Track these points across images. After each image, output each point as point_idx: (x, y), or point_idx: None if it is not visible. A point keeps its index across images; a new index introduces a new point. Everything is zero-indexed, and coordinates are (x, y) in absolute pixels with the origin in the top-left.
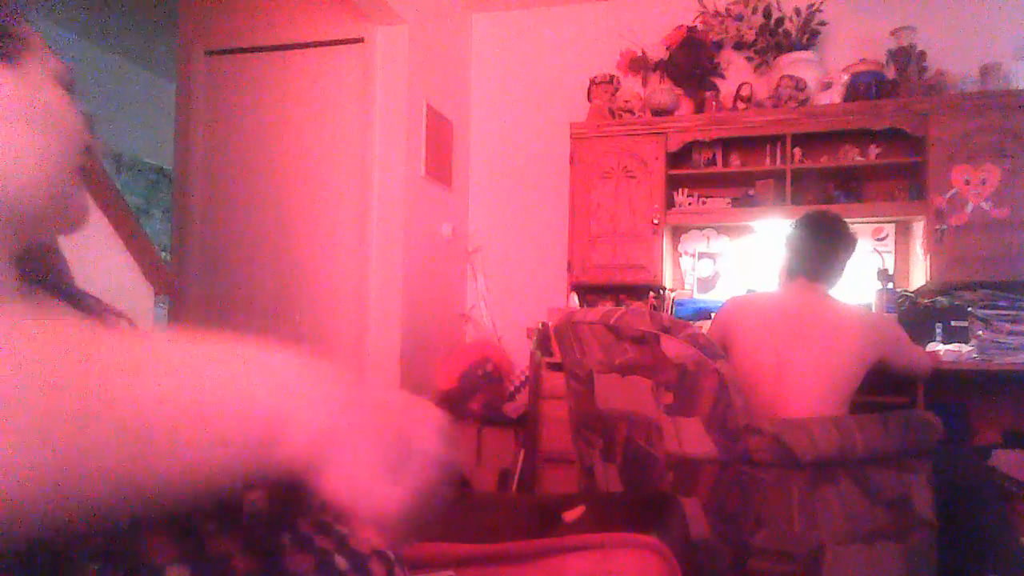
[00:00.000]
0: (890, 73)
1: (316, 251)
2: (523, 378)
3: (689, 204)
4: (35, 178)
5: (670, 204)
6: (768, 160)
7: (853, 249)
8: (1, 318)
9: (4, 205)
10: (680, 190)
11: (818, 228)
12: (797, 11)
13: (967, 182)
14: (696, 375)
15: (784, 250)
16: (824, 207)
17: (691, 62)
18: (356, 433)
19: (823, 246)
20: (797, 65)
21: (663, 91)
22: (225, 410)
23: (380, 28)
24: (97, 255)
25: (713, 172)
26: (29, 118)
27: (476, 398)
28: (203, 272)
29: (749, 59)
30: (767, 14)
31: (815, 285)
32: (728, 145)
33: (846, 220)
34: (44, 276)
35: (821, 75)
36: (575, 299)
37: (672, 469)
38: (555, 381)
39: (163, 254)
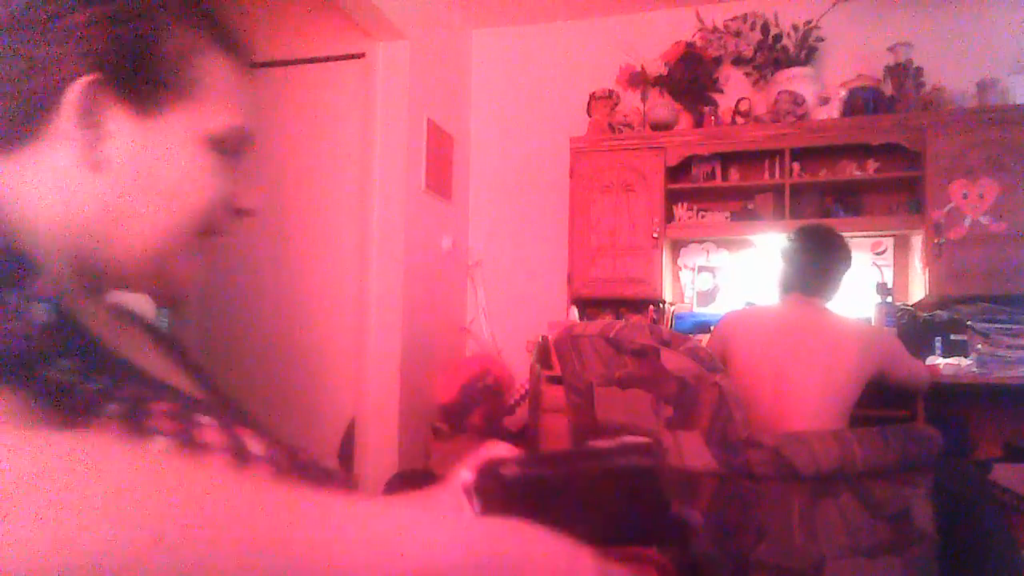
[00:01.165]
0: (888, 88)
1: (317, 263)
2: (523, 391)
3: (688, 218)
4: (133, 244)
5: (669, 218)
6: (767, 174)
7: (849, 263)
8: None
9: (92, 263)
10: (679, 204)
11: (813, 242)
12: (795, 27)
13: (965, 196)
14: (696, 388)
15: (780, 264)
16: (822, 221)
17: (690, 77)
18: None
19: (819, 260)
20: (795, 80)
21: (662, 106)
22: None
23: (381, 44)
24: None
25: (712, 186)
26: (141, 179)
27: (476, 411)
28: (204, 287)
29: (747, 74)
30: (765, 30)
31: (811, 299)
32: (727, 159)
33: (841, 233)
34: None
35: (819, 90)
36: (575, 312)
37: (672, 482)
38: (555, 394)
39: None
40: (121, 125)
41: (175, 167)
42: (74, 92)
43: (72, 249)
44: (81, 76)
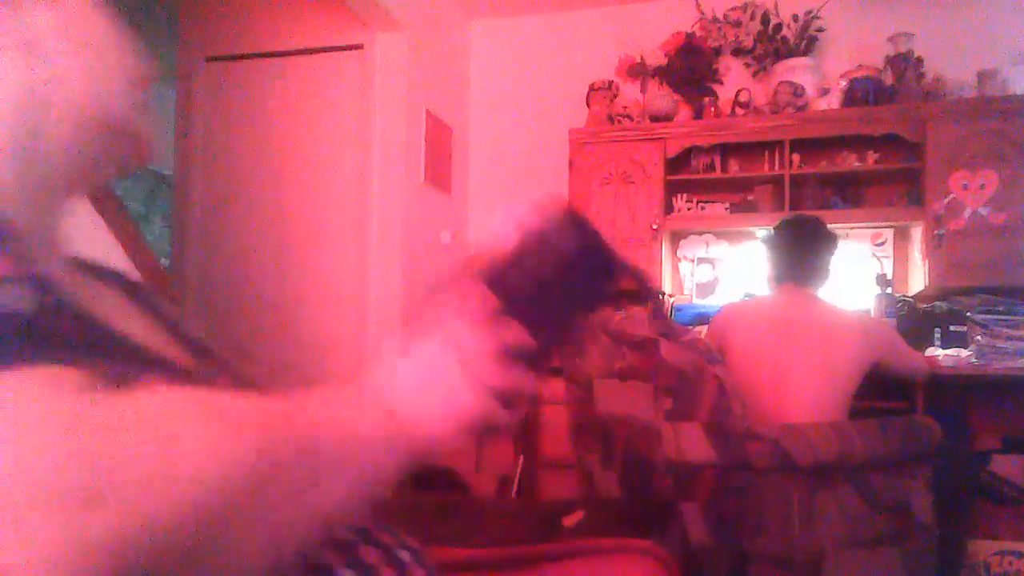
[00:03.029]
0: (888, 79)
1: (316, 257)
2: None
3: (688, 209)
4: (86, 114)
5: (669, 209)
6: (766, 166)
7: (835, 249)
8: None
9: (55, 147)
10: (679, 195)
11: (798, 232)
12: (795, 17)
13: (965, 187)
14: (695, 380)
15: (768, 257)
16: (818, 212)
17: (689, 68)
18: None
19: (806, 250)
20: (795, 71)
21: (662, 97)
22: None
23: (380, 35)
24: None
25: (712, 178)
26: (71, 50)
27: None
28: (202, 279)
29: (747, 65)
30: (765, 20)
31: (804, 289)
32: (727, 151)
33: (824, 221)
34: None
35: (819, 81)
36: None
37: (671, 474)
38: (554, 386)
39: (162, 260)
40: (28, 2)
41: (94, 32)
42: None
43: (20, 149)
44: None
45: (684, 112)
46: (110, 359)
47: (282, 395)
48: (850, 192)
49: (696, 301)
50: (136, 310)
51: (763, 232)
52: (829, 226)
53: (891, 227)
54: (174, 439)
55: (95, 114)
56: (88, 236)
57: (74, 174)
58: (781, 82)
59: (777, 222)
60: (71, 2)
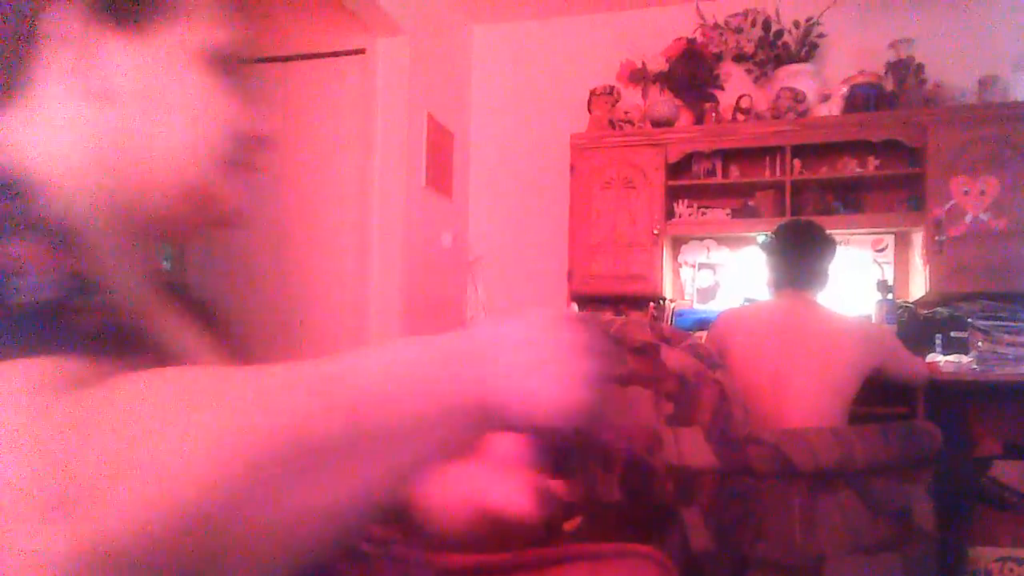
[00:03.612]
0: (889, 85)
1: (317, 260)
2: None
3: (689, 215)
4: (161, 174)
5: (670, 215)
6: (767, 171)
7: (833, 253)
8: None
9: (122, 206)
10: (680, 201)
11: (796, 237)
12: (796, 24)
13: (966, 193)
14: (696, 385)
15: (766, 262)
16: (816, 218)
17: (691, 74)
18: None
19: (804, 254)
20: (796, 77)
21: (663, 102)
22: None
23: (381, 39)
24: None
25: (713, 183)
26: (152, 103)
27: None
28: (203, 280)
29: (748, 71)
30: (766, 27)
31: (803, 294)
32: (728, 156)
33: (822, 226)
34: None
35: (820, 87)
36: (575, 309)
37: (672, 479)
38: None
39: (163, 263)
40: (113, 48)
41: (181, 86)
42: (55, 20)
43: (97, 190)
44: (55, 2)
45: (685, 117)
46: (135, 355)
47: (326, 357)
48: (851, 198)
49: (697, 306)
50: (199, 329)
51: (762, 237)
52: (829, 231)
53: (892, 233)
54: (161, 430)
55: (171, 175)
56: None
57: (152, 230)
58: (782, 88)
59: (775, 227)
60: (164, 57)
